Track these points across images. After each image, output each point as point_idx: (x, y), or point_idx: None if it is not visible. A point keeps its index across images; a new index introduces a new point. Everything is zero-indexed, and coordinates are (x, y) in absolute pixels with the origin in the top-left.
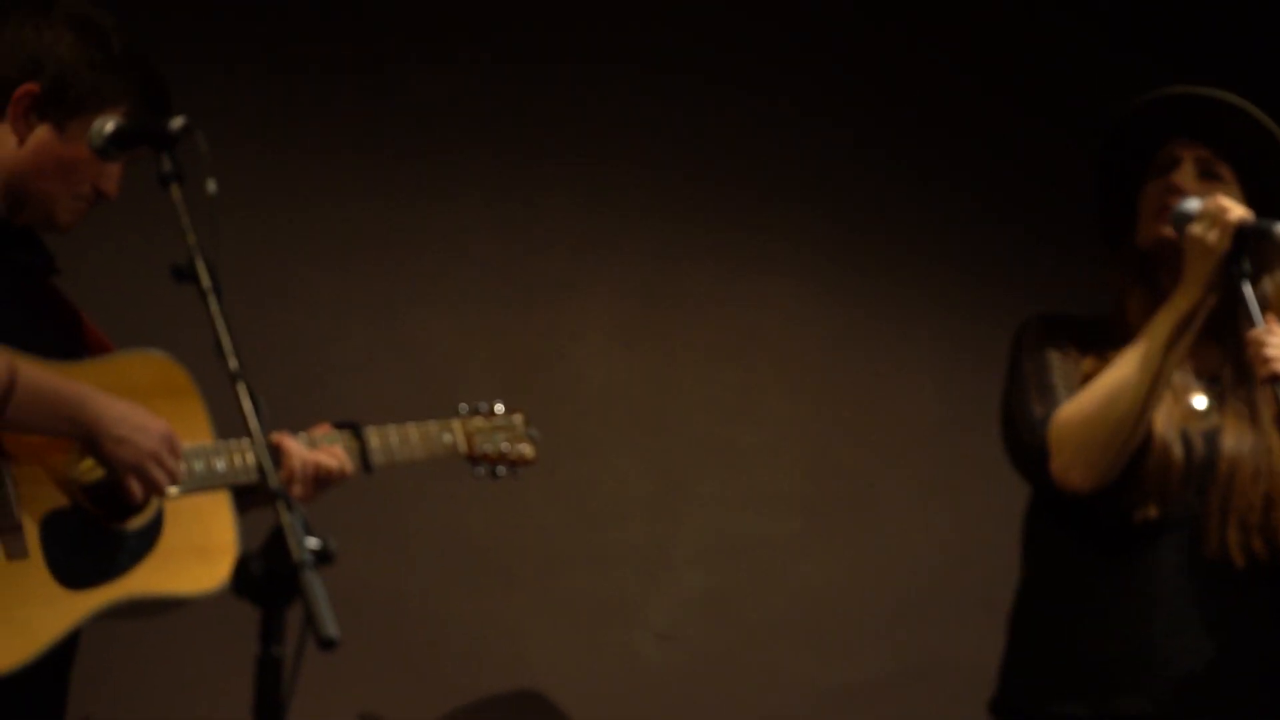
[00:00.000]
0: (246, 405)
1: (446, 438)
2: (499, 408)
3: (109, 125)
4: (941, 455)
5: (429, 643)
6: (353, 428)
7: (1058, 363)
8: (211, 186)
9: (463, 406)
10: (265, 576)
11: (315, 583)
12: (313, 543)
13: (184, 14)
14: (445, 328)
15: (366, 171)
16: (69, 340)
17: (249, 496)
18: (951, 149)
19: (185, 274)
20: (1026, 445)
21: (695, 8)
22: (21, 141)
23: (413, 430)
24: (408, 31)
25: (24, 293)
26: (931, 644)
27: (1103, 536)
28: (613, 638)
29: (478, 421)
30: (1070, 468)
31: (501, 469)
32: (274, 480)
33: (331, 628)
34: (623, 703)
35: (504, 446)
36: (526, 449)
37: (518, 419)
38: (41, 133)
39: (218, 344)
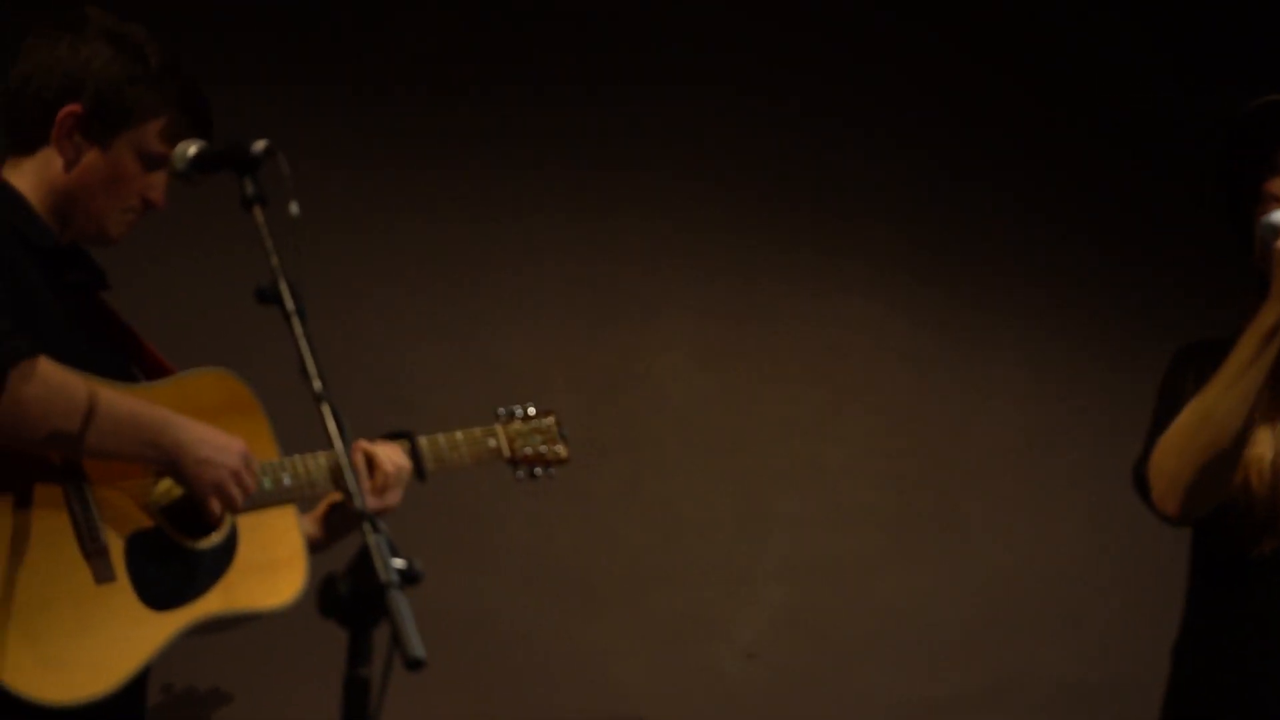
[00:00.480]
0: (331, 426)
1: (491, 442)
2: (531, 410)
3: (191, 149)
4: (1023, 472)
5: (515, 662)
6: (406, 437)
7: (1191, 392)
8: (294, 209)
9: (500, 411)
10: (352, 597)
11: (402, 603)
12: (399, 563)
13: (264, 35)
14: (526, 346)
15: (446, 189)
16: (128, 359)
17: (337, 526)
18: (1037, 173)
19: (269, 296)
20: (1137, 477)
21: (776, 32)
22: (68, 162)
23: (460, 436)
24: (485, 53)
25: (82, 313)
26: (1014, 660)
27: (1226, 569)
28: (697, 655)
29: (517, 425)
30: (1165, 498)
31: (539, 470)
32: (360, 502)
33: (418, 648)
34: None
35: (542, 448)
36: (561, 449)
37: (550, 421)
38: (87, 151)
39: (302, 365)
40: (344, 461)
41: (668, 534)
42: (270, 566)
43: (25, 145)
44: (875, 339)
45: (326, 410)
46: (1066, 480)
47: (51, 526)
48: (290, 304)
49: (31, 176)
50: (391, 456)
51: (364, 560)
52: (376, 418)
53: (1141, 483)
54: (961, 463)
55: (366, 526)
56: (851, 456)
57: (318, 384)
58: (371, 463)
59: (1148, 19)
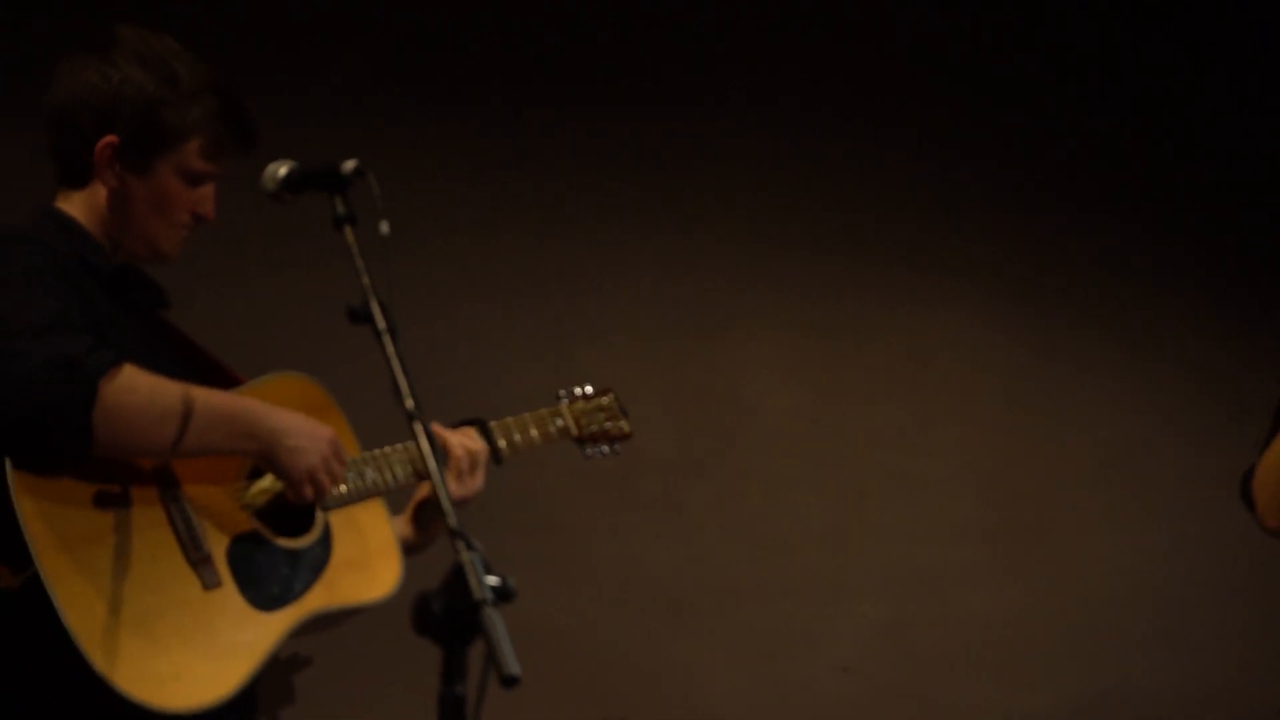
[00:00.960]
0: (424, 445)
1: (559, 422)
2: (589, 389)
3: (282, 170)
4: (1116, 484)
5: (608, 678)
6: (478, 424)
7: None
8: (384, 228)
9: (561, 392)
10: (446, 615)
11: (496, 620)
12: (493, 580)
13: (361, 54)
14: (617, 364)
15: (537, 207)
16: (197, 373)
17: (428, 522)
18: (1126, 185)
19: (360, 315)
20: (1244, 490)
21: (865, 54)
22: (112, 191)
23: (529, 419)
24: (578, 72)
25: (148, 332)
26: (1110, 673)
27: None
28: (791, 670)
29: (580, 404)
30: (1266, 513)
31: (606, 447)
32: (454, 520)
33: (514, 665)
34: None
35: (606, 425)
36: (624, 424)
37: (609, 399)
38: (129, 178)
39: (394, 385)
40: (437, 480)
41: (760, 548)
42: (366, 559)
43: (72, 179)
44: (965, 352)
45: (419, 429)
46: (1160, 492)
47: (154, 538)
48: (382, 323)
49: (82, 205)
50: (463, 441)
51: (458, 578)
52: None
53: (1247, 496)
54: (1054, 475)
55: (459, 544)
56: (943, 470)
57: (410, 403)
58: (445, 450)
59: (1254, 41)
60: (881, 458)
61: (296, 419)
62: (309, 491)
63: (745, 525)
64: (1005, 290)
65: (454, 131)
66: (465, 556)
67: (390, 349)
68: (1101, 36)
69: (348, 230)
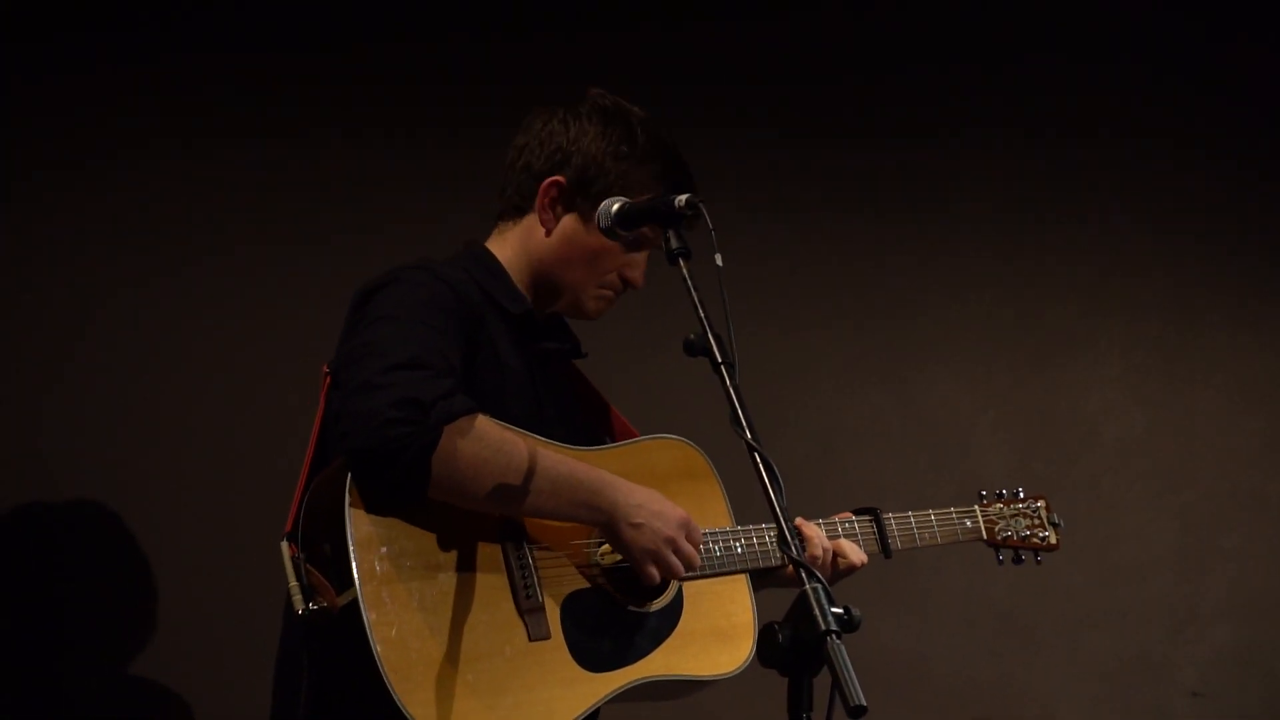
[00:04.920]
0: (765, 475)
1: (968, 523)
2: (1019, 492)
3: (615, 205)
4: None
5: (955, 707)
6: (872, 514)
7: None
8: (719, 260)
9: (983, 491)
10: (791, 646)
11: (841, 651)
12: (837, 610)
13: (689, 92)
14: (953, 388)
15: (867, 232)
16: (594, 424)
17: (763, 577)
18: None
19: (697, 348)
20: None
21: (1208, 85)
22: (549, 232)
23: (932, 516)
24: (920, 99)
25: (552, 380)
26: None
27: None
28: (1142, 696)
29: (998, 507)
30: None
31: (1024, 555)
32: (797, 550)
33: (860, 696)
34: None
35: (1025, 533)
36: (1051, 536)
37: (1040, 505)
38: (568, 223)
39: (734, 416)
40: (777, 509)
41: (1106, 573)
42: (715, 635)
43: (513, 211)
44: None
45: (759, 460)
46: None
47: (490, 584)
48: (719, 356)
49: (514, 243)
50: (821, 540)
51: (802, 608)
52: (806, 465)
53: None
54: None
55: (804, 574)
56: None
57: (749, 435)
58: (800, 538)
59: None
60: (1231, 476)
61: (642, 496)
62: (652, 571)
63: (1089, 549)
64: None
65: (793, 156)
66: (809, 587)
67: (728, 381)
68: None
69: (681, 264)
